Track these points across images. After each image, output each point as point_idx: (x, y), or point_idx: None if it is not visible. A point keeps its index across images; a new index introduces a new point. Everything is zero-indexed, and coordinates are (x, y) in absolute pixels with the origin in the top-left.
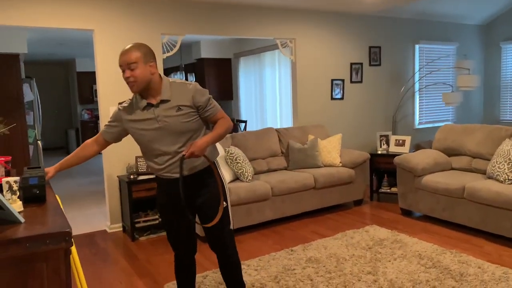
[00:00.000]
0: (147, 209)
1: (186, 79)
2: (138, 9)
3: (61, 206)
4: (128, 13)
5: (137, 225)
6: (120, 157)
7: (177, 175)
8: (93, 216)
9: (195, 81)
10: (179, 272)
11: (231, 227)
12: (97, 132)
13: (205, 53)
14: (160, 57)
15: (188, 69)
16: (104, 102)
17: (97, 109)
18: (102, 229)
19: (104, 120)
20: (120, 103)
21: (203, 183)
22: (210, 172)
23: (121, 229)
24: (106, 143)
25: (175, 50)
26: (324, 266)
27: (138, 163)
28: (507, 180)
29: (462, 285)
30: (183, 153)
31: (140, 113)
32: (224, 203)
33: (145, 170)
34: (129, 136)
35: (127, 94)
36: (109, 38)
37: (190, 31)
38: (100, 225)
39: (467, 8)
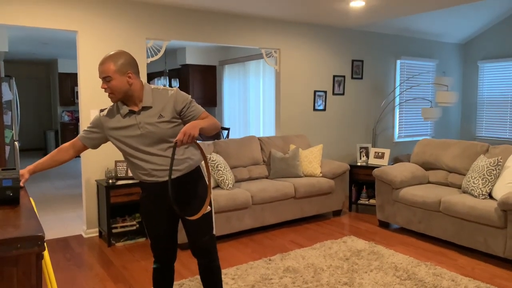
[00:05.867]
0: (124, 214)
1: (170, 84)
2: (123, 13)
3: (35, 210)
4: (113, 16)
5: (114, 231)
6: (99, 161)
7: (163, 179)
8: (69, 220)
9: (179, 86)
10: (157, 280)
11: (214, 232)
12: (77, 134)
13: (190, 59)
14: (144, 62)
15: (172, 74)
16: (85, 104)
17: (77, 111)
18: (78, 233)
19: (84, 122)
20: (101, 110)
21: (193, 183)
22: (199, 173)
23: (98, 234)
24: (84, 148)
25: (159, 55)
26: (301, 276)
27: (117, 168)
28: (481, 195)
29: None
30: (175, 140)
31: (122, 120)
32: (208, 207)
33: (124, 175)
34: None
35: (108, 98)
36: (92, 40)
37: (175, 37)
38: (76, 230)
39: (447, 27)
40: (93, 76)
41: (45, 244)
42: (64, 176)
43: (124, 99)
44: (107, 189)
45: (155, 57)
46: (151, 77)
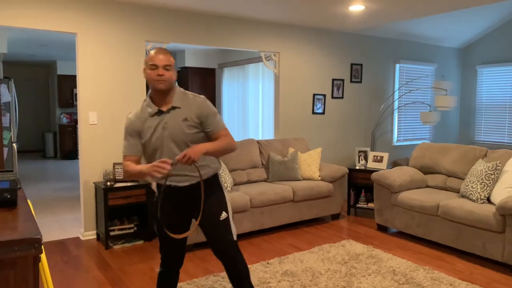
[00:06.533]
0: (122, 217)
1: None
2: (123, 15)
3: (33, 212)
4: (112, 19)
5: (111, 233)
6: (97, 163)
7: (180, 184)
8: (67, 222)
9: None
10: (162, 283)
11: (235, 238)
12: (76, 136)
13: (189, 62)
14: (143, 64)
15: None
16: (84, 106)
17: (76, 113)
18: (76, 236)
19: (83, 125)
20: (129, 114)
21: (208, 190)
22: (215, 182)
23: (95, 236)
24: (139, 158)
25: None
26: (299, 280)
27: (116, 170)
28: (479, 200)
29: None
30: (177, 158)
31: (149, 120)
32: (224, 213)
33: (122, 177)
34: (107, 141)
35: (107, 100)
36: (92, 43)
37: (174, 40)
38: (73, 232)
39: (447, 32)
40: (92, 78)
41: (42, 246)
42: (63, 178)
43: (160, 95)
44: (105, 191)
45: None
46: None
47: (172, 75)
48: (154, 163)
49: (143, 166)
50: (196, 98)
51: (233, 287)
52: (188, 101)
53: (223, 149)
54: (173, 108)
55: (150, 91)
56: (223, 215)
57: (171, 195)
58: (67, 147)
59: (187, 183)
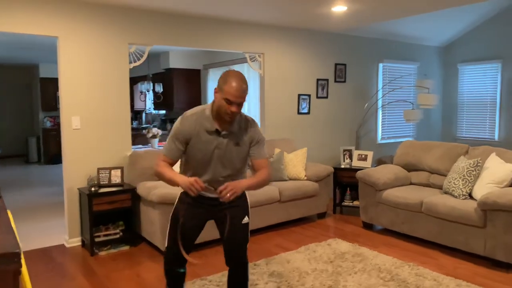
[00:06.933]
0: (108, 222)
1: (154, 88)
2: (105, 18)
3: (12, 223)
4: (94, 22)
5: (97, 239)
6: (81, 169)
7: (209, 195)
8: (51, 229)
9: (163, 91)
10: (172, 279)
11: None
12: (59, 140)
13: (174, 63)
14: (127, 67)
15: (156, 78)
16: (66, 111)
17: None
18: (60, 243)
19: (66, 129)
20: (190, 114)
21: (237, 199)
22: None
23: (80, 243)
24: (175, 162)
25: (142, 60)
26: (286, 281)
27: (100, 175)
28: (461, 196)
29: None
30: (220, 188)
31: (203, 134)
32: (246, 218)
33: (107, 182)
34: (91, 146)
35: (90, 104)
36: (74, 46)
37: (158, 42)
38: (58, 239)
39: (428, 31)
40: (74, 82)
41: (22, 260)
42: (47, 183)
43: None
44: (90, 197)
45: (138, 62)
46: (134, 81)
47: (241, 109)
48: (192, 181)
49: (179, 178)
50: (251, 123)
51: None
52: (244, 125)
53: (261, 185)
54: (231, 133)
55: (214, 104)
56: (246, 219)
57: (195, 200)
58: (52, 151)
59: (215, 195)
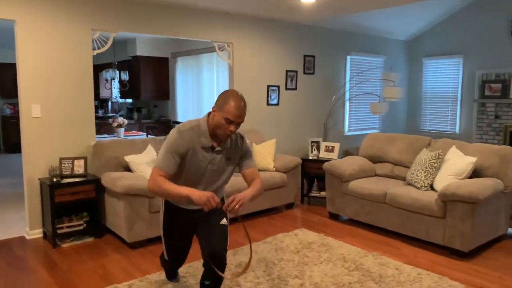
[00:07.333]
0: (71, 214)
1: (120, 77)
2: (66, 2)
3: None
4: (55, 5)
5: (59, 231)
6: (42, 158)
7: (195, 208)
8: (11, 221)
9: (129, 79)
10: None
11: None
12: (20, 128)
13: (140, 51)
14: (90, 54)
15: (122, 66)
16: (26, 99)
17: None
18: (21, 235)
19: (25, 117)
20: (187, 129)
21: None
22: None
23: (42, 235)
24: (171, 177)
25: (106, 46)
26: (253, 271)
27: (62, 165)
28: (423, 187)
29: (381, 286)
30: (228, 202)
31: (198, 150)
32: (224, 220)
33: (69, 172)
34: (52, 135)
35: (51, 92)
36: (33, 31)
37: (123, 29)
38: (18, 231)
39: (395, 24)
40: (33, 68)
41: None
42: (7, 173)
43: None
44: (51, 187)
45: (102, 49)
46: (99, 69)
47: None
48: (210, 195)
49: (192, 192)
50: (242, 139)
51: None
52: (235, 141)
53: (260, 194)
54: (224, 149)
55: (210, 120)
56: (224, 221)
57: (180, 215)
58: (12, 140)
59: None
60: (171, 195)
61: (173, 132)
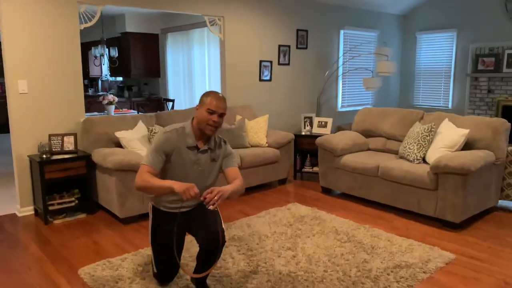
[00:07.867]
0: (62, 190)
1: (109, 53)
2: None
3: None
4: None
5: (50, 208)
6: (31, 135)
7: (184, 209)
8: (1, 199)
9: (118, 56)
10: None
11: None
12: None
13: (130, 27)
14: (76, 28)
15: (111, 43)
16: (12, 74)
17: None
18: (12, 212)
19: (12, 95)
20: (171, 130)
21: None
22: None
23: (33, 212)
24: (157, 173)
25: (94, 21)
26: (246, 244)
27: (52, 142)
28: (415, 160)
29: (373, 257)
30: (205, 194)
31: (184, 150)
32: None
33: (59, 149)
34: (40, 111)
35: (38, 67)
36: (17, 4)
37: (110, 2)
38: (9, 209)
39: None
40: (19, 44)
41: None
42: None
43: (203, 133)
44: (41, 164)
45: (89, 23)
46: (87, 47)
47: (222, 123)
48: (189, 186)
49: (173, 183)
50: (224, 141)
51: (198, 266)
52: (218, 142)
53: (239, 192)
54: (209, 149)
55: (194, 121)
56: (213, 207)
57: (168, 219)
58: (1, 120)
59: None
60: (155, 187)
61: (159, 133)
